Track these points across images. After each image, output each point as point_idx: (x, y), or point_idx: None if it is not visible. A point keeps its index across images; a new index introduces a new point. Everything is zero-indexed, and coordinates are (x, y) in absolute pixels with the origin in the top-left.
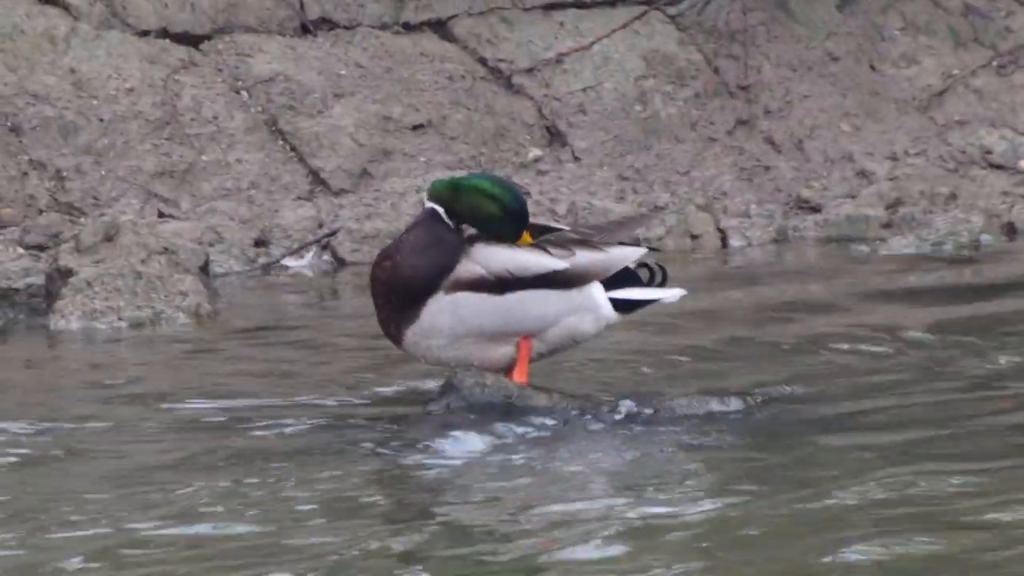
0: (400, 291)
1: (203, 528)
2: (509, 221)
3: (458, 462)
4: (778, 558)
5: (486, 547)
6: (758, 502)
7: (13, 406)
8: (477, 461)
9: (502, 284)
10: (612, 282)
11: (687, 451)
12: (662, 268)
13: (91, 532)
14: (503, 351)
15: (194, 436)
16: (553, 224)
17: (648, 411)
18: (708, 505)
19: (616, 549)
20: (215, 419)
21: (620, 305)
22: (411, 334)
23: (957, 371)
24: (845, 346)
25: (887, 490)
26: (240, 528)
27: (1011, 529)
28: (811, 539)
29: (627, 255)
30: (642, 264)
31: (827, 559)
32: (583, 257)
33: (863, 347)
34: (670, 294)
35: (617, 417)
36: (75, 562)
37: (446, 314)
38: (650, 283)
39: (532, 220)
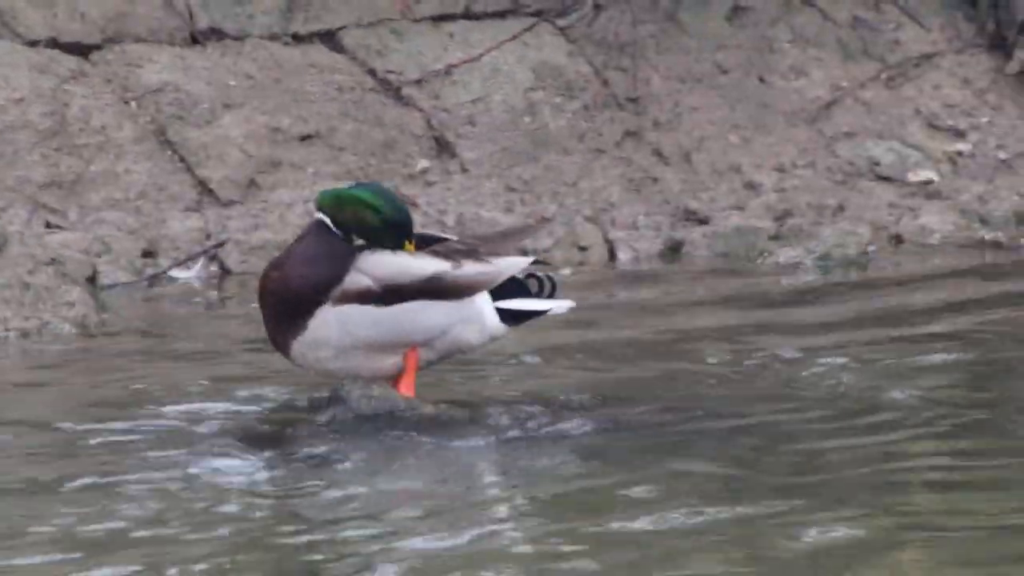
0: (288, 302)
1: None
2: (390, 231)
3: (341, 475)
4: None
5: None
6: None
7: None
8: (359, 473)
9: (388, 294)
10: (500, 292)
11: (567, 463)
12: (551, 279)
13: None
14: (391, 361)
15: (71, 449)
16: (440, 235)
17: (532, 423)
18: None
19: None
20: (97, 431)
21: (507, 316)
22: (298, 345)
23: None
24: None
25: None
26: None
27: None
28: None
29: (513, 266)
30: (531, 275)
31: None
32: (469, 268)
33: (720, 358)
34: (558, 305)
35: (503, 428)
36: None
37: (333, 326)
38: (539, 294)
39: (419, 231)
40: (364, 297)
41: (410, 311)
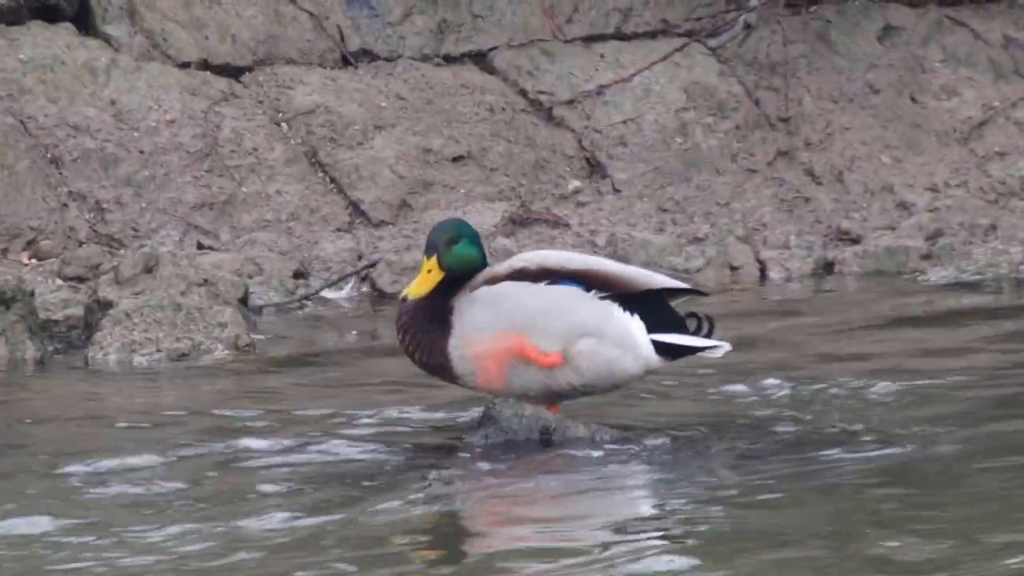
0: (423, 308)
1: (241, 554)
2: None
3: (495, 494)
4: None
5: None
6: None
7: (51, 438)
8: (511, 492)
9: (541, 274)
10: (658, 326)
11: (723, 482)
12: (710, 319)
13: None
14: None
15: (231, 466)
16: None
17: (683, 444)
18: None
19: None
20: (251, 452)
21: (664, 350)
22: (453, 346)
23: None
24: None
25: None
26: (254, 553)
27: None
28: None
29: (665, 280)
30: (691, 313)
31: None
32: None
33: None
34: (713, 346)
35: (655, 450)
36: None
37: (479, 303)
38: (697, 332)
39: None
40: (516, 276)
41: (558, 292)
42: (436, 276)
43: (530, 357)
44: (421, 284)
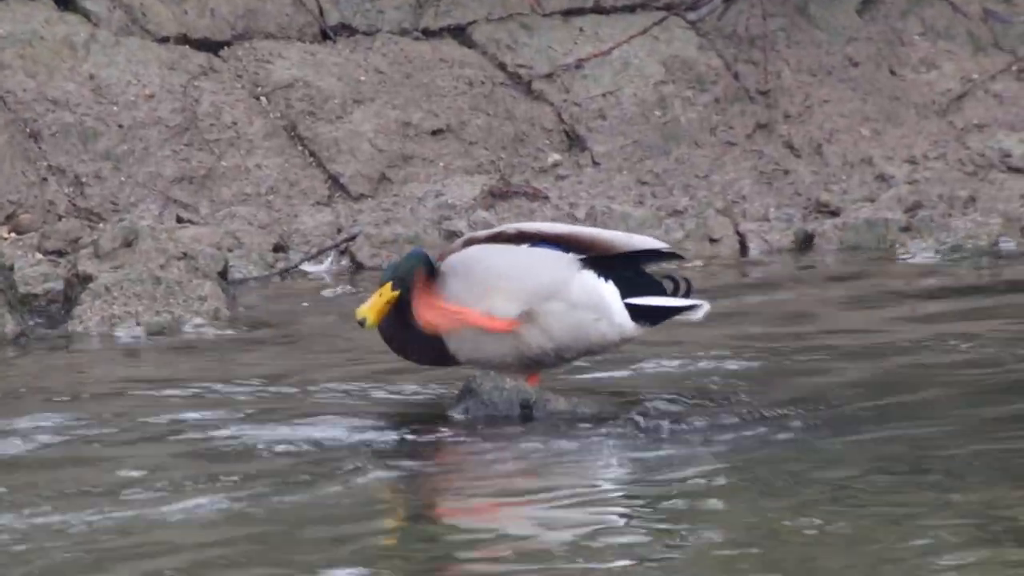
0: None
1: (216, 527)
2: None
3: (475, 467)
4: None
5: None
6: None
7: (30, 410)
8: (492, 465)
9: (518, 238)
10: (633, 291)
11: (704, 454)
12: (687, 280)
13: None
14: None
15: (209, 439)
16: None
17: (664, 416)
18: (716, 510)
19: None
20: (231, 424)
21: (640, 315)
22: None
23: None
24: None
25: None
26: (243, 529)
27: None
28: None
29: (645, 241)
30: (667, 276)
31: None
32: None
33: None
34: (692, 306)
35: (639, 422)
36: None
37: (460, 263)
38: (675, 295)
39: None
40: (494, 239)
41: (528, 252)
42: (387, 296)
43: (482, 325)
44: (373, 306)
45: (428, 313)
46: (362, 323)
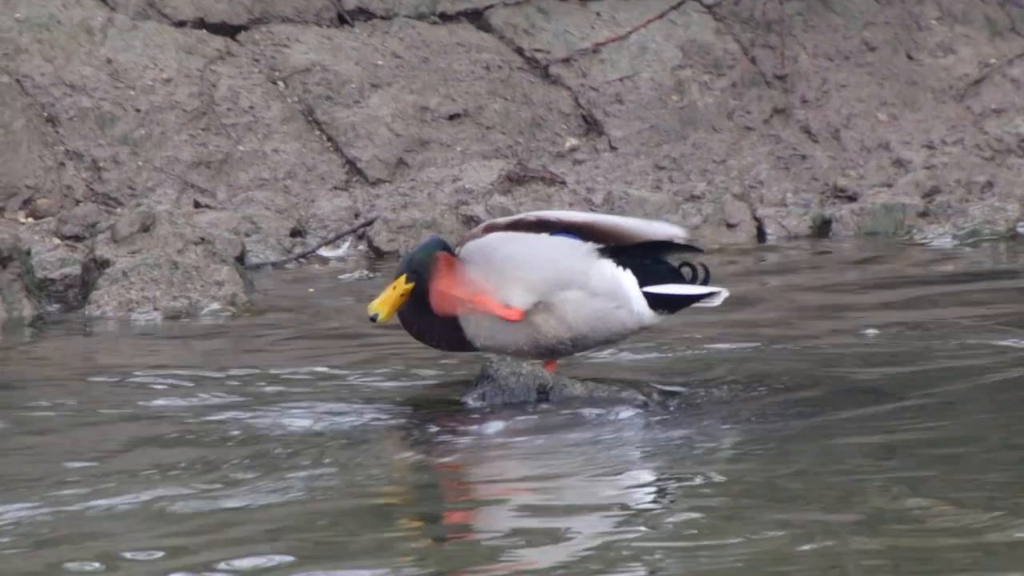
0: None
1: (234, 504)
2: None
3: (491, 452)
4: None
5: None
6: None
7: (47, 394)
8: (509, 449)
9: (538, 226)
10: (652, 279)
11: (720, 438)
12: (705, 268)
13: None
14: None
15: (226, 422)
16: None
17: (680, 400)
18: (721, 480)
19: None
20: (248, 407)
21: (658, 303)
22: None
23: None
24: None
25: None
26: (257, 506)
27: None
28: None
29: (664, 229)
30: (685, 263)
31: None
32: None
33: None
34: (710, 293)
35: (654, 406)
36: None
37: (478, 250)
38: (692, 283)
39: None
40: (514, 227)
41: (547, 240)
42: (401, 289)
43: (493, 312)
44: (386, 299)
45: (445, 297)
46: (374, 318)
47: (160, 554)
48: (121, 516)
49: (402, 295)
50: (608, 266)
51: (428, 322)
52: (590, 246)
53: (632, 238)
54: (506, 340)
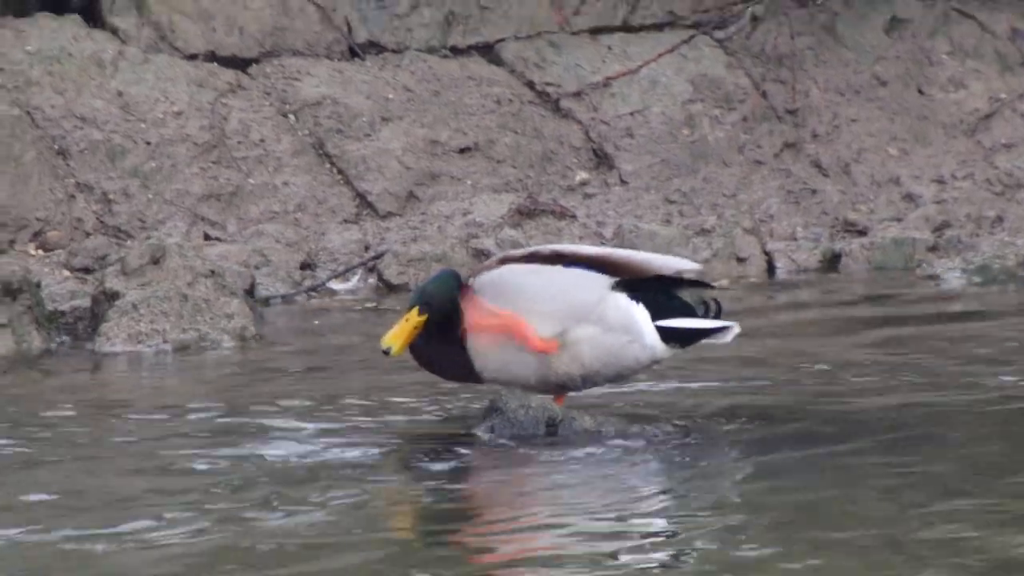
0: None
1: (241, 539)
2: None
3: (500, 485)
4: None
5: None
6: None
7: (54, 425)
8: (518, 483)
9: (553, 258)
10: (664, 313)
11: (730, 472)
12: (717, 303)
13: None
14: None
15: (235, 455)
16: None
17: (691, 434)
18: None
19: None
20: (257, 440)
21: (672, 337)
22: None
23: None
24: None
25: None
26: (263, 538)
27: None
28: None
29: (674, 263)
30: (697, 297)
31: None
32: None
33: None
34: (722, 328)
35: (663, 439)
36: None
37: (491, 283)
38: (705, 317)
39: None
40: (529, 259)
41: (561, 273)
42: (414, 321)
43: (524, 337)
44: (398, 333)
45: (480, 317)
46: (387, 352)
47: None
48: (129, 550)
49: (415, 327)
50: (622, 299)
51: (437, 353)
52: (604, 279)
53: (645, 271)
54: (515, 374)
